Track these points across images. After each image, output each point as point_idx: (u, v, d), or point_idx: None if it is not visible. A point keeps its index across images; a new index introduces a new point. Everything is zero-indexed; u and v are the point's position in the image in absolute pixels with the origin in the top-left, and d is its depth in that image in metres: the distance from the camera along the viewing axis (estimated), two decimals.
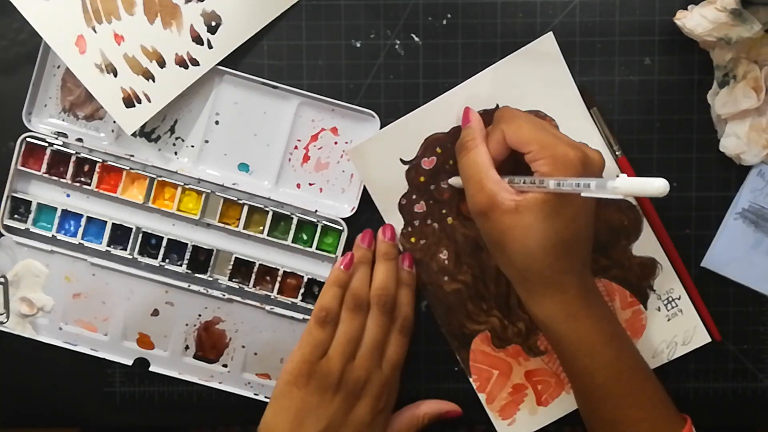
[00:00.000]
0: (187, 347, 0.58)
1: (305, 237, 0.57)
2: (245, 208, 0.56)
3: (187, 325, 0.58)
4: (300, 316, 0.57)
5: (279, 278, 0.56)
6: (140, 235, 0.57)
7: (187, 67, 0.55)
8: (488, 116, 0.54)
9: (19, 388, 0.59)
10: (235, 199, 0.56)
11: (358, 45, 0.56)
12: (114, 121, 0.55)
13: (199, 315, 0.58)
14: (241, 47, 0.55)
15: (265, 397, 0.58)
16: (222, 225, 0.56)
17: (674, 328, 0.57)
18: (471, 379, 0.57)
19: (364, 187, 0.56)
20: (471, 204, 0.49)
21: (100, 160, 0.56)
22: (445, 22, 0.55)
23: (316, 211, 0.56)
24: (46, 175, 0.56)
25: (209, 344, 0.58)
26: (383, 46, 0.56)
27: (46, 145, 0.55)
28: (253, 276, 0.57)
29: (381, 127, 0.55)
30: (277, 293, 0.57)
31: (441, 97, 0.55)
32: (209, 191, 0.56)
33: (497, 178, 0.48)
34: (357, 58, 0.56)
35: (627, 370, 0.50)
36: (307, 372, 0.51)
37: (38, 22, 0.53)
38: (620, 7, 0.55)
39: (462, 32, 0.55)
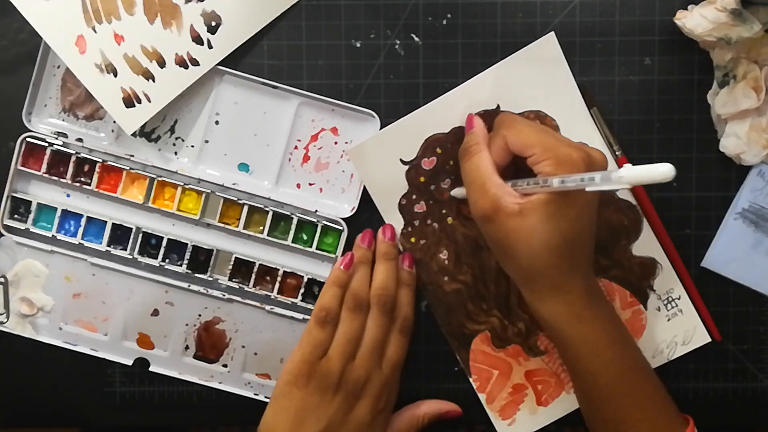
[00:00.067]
0: (187, 347, 0.58)
1: (305, 237, 0.57)
2: (245, 208, 0.56)
3: (187, 325, 0.58)
4: (300, 316, 0.57)
5: (279, 278, 0.56)
6: (140, 235, 0.57)
7: (187, 67, 0.55)
8: (489, 117, 0.54)
9: (19, 388, 0.59)
10: (235, 199, 0.56)
11: (358, 45, 0.56)
12: (114, 121, 0.55)
13: (199, 315, 0.58)
14: (241, 47, 0.55)
15: (265, 397, 0.58)
16: (222, 225, 0.56)
17: (674, 328, 0.57)
18: (471, 379, 0.57)
19: (364, 187, 0.56)
20: (474, 209, 0.49)
21: (100, 160, 0.56)
22: (445, 22, 0.55)
23: (316, 211, 0.56)
24: (46, 175, 0.56)
25: (209, 344, 0.58)
26: (383, 46, 0.56)
27: (46, 145, 0.55)
28: (253, 276, 0.57)
29: (381, 127, 0.55)
30: (277, 293, 0.57)
31: (442, 98, 0.55)
32: (209, 191, 0.56)
33: (500, 182, 0.48)
34: (357, 58, 0.56)
35: (630, 371, 0.50)
36: (307, 372, 0.51)
37: (38, 22, 0.53)
38: (620, 7, 0.55)
39: (462, 32, 0.55)
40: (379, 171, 0.55)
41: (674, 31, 0.54)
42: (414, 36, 0.56)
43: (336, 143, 0.56)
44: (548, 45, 0.54)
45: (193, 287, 0.57)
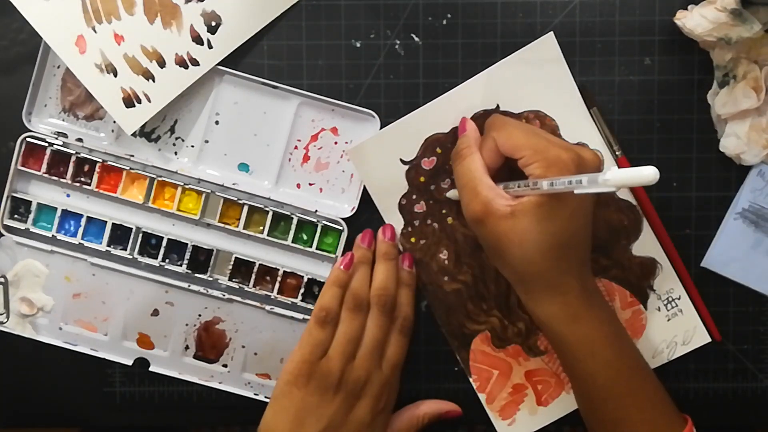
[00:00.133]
0: (187, 347, 0.58)
1: (305, 237, 0.57)
2: (245, 208, 0.56)
3: (187, 325, 0.58)
4: (300, 316, 0.57)
5: (279, 278, 0.56)
6: (140, 235, 0.57)
7: (187, 67, 0.55)
8: (489, 116, 0.54)
9: (19, 388, 0.59)
10: (235, 199, 0.56)
11: (358, 45, 0.56)
12: (114, 121, 0.55)
13: (199, 315, 0.58)
14: (241, 47, 0.55)
15: (265, 397, 0.58)
16: (222, 225, 0.56)
17: (674, 328, 0.57)
18: (471, 379, 0.57)
19: (364, 187, 0.56)
20: (466, 211, 0.49)
21: (100, 160, 0.56)
22: (445, 22, 0.55)
23: (316, 211, 0.56)
24: (46, 175, 0.56)
25: (209, 344, 0.58)
26: (383, 46, 0.56)
27: (46, 145, 0.55)
28: (253, 276, 0.57)
29: (381, 127, 0.55)
30: (277, 293, 0.57)
31: (441, 98, 0.55)
32: (209, 191, 0.56)
33: (491, 185, 0.48)
34: (357, 58, 0.56)
35: (627, 371, 0.50)
36: (307, 372, 0.51)
37: (38, 22, 0.53)
38: (620, 7, 0.55)
39: (462, 32, 0.55)
40: (379, 171, 0.55)
41: (674, 31, 0.54)
42: (414, 36, 0.56)
43: (336, 143, 0.56)
44: (547, 45, 0.54)
45: (193, 287, 0.57)
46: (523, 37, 0.55)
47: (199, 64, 0.55)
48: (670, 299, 0.56)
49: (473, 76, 0.55)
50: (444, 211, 0.56)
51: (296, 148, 0.56)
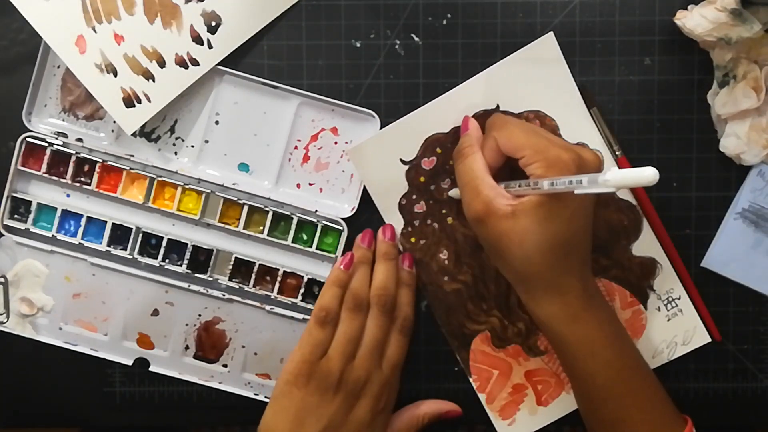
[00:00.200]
0: (187, 347, 0.58)
1: (305, 237, 0.57)
2: (245, 208, 0.56)
3: (187, 325, 0.58)
4: (300, 316, 0.57)
5: (279, 278, 0.56)
6: (140, 235, 0.57)
7: (187, 67, 0.55)
8: (488, 117, 0.54)
9: (19, 388, 0.59)
10: (235, 199, 0.56)
11: (358, 45, 0.56)
12: (114, 121, 0.55)
13: (199, 315, 0.58)
14: (241, 47, 0.55)
15: (265, 397, 0.58)
16: (222, 225, 0.56)
17: (674, 328, 0.57)
18: (471, 379, 0.57)
19: (364, 186, 0.56)
20: (468, 210, 0.49)
21: (100, 160, 0.56)
22: (445, 22, 0.55)
23: (316, 211, 0.56)
24: (46, 175, 0.56)
25: (209, 344, 0.58)
26: (383, 46, 0.56)
27: (46, 145, 0.55)
28: (253, 276, 0.57)
29: (381, 127, 0.55)
30: (277, 293, 0.57)
31: (441, 98, 0.55)
32: (209, 191, 0.56)
33: (493, 184, 0.48)
34: (357, 58, 0.56)
35: (627, 371, 0.50)
36: (307, 372, 0.51)
37: (38, 22, 0.53)
38: (620, 7, 0.55)
39: (462, 32, 0.55)
40: (379, 171, 0.55)
41: (674, 31, 0.54)
42: (414, 36, 0.56)
43: (336, 143, 0.56)
44: (547, 45, 0.54)
45: (193, 287, 0.57)
46: (523, 37, 0.55)
47: (199, 64, 0.55)
48: (670, 299, 0.56)
49: (473, 76, 0.55)
50: (444, 211, 0.56)
51: (296, 148, 0.56)
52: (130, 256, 0.57)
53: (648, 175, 0.38)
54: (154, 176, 0.56)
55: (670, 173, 0.56)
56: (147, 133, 0.56)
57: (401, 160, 0.56)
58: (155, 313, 0.58)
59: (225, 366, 0.58)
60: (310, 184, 0.57)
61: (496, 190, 0.48)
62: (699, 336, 0.57)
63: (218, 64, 0.55)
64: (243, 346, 0.58)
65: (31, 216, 0.56)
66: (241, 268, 0.57)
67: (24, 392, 0.59)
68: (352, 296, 0.54)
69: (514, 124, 0.49)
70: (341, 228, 0.56)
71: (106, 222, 0.56)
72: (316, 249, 0.56)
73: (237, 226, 0.56)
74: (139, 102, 0.54)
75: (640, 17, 0.55)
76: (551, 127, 0.55)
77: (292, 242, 0.56)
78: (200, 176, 0.56)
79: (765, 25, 0.51)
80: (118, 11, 0.54)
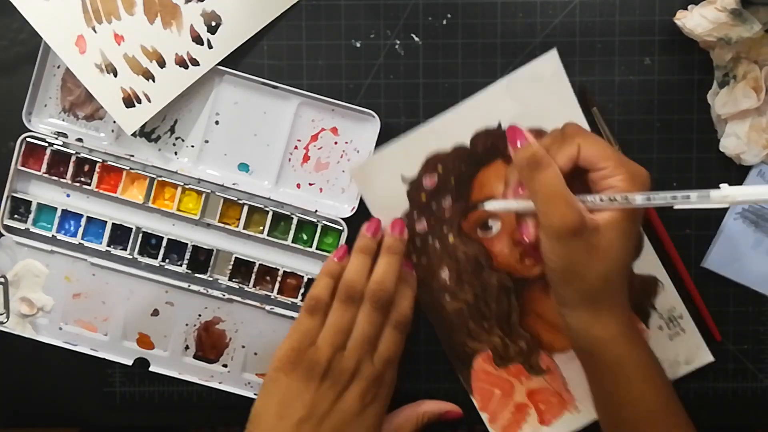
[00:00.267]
0: (187, 347, 0.58)
1: (305, 237, 0.57)
2: (245, 208, 0.56)
3: (187, 325, 0.58)
4: None
5: (279, 278, 0.56)
6: (140, 235, 0.57)
7: (187, 67, 0.55)
8: (490, 135, 0.54)
9: (19, 388, 0.59)
10: (235, 199, 0.56)
11: (358, 45, 0.56)
12: (114, 121, 0.55)
13: (199, 315, 0.58)
14: (241, 47, 0.55)
15: None
16: (222, 225, 0.56)
17: (676, 347, 0.56)
18: (473, 399, 0.57)
19: None
20: (554, 222, 0.45)
21: (100, 160, 0.56)
22: (445, 22, 0.55)
23: (316, 211, 0.56)
24: (46, 175, 0.56)
25: (209, 344, 0.58)
26: (383, 46, 0.56)
27: (46, 145, 0.55)
28: (253, 276, 0.57)
29: (381, 127, 0.55)
30: (277, 293, 0.57)
31: (442, 116, 0.54)
32: (209, 191, 0.56)
33: (575, 197, 0.46)
34: (357, 58, 0.56)
35: (673, 401, 0.49)
36: (295, 359, 0.51)
37: (38, 22, 0.53)
38: (620, 7, 0.55)
39: (462, 32, 0.55)
40: (380, 189, 0.55)
41: (674, 31, 0.54)
42: (414, 36, 0.56)
43: (336, 143, 0.56)
44: (550, 62, 0.54)
45: (193, 287, 0.57)
46: (523, 37, 0.55)
47: (199, 64, 0.55)
48: (672, 318, 0.56)
49: (473, 76, 0.55)
50: (445, 230, 0.56)
51: (296, 148, 0.56)
52: (130, 256, 0.57)
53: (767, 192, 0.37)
54: (154, 176, 0.56)
55: (670, 173, 0.56)
56: (147, 133, 0.56)
57: (402, 178, 0.55)
58: (155, 313, 0.58)
59: (225, 366, 0.58)
60: (310, 184, 0.57)
61: (580, 204, 0.46)
62: (701, 355, 0.56)
63: (218, 64, 0.55)
64: (243, 346, 0.58)
65: (31, 216, 0.56)
66: (241, 268, 0.57)
67: (24, 392, 0.59)
68: (345, 287, 0.52)
69: (594, 136, 0.48)
70: (341, 228, 0.56)
71: (106, 222, 0.56)
72: (316, 249, 0.56)
73: (237, 226, 0.56)
74: (139, 102, 0.54)
75: (640, 17, 0.55)
76: None
77: (292, 242, 0.56)
78: (200, 176, 0.56)
79: (765, 25, 0.51)
80: (118, 11, 0.54)
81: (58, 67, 0.55)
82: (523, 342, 0.56)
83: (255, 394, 0.58)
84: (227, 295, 0.57)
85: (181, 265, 0.57)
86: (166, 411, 0.59)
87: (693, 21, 0.52)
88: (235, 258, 0.57)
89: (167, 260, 0.57)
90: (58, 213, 0.56)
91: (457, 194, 0.55)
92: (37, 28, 0.53)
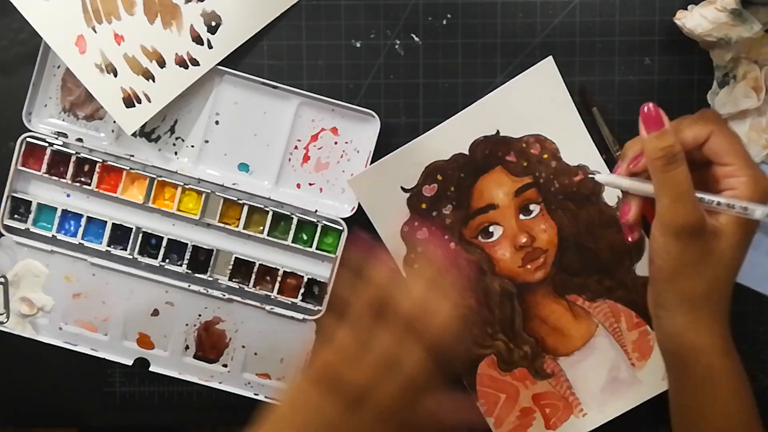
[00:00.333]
0: (187, 347, 0.58)
1: (305, 237, 0.57)
2: (245, 208, 0.56)
3: (187, 325, 0.58)
4: (300, 316, 0.57)
5: (279, 278, 0.56)
6: (140, 235, 0.57)
7: (187, 67, 0.55)
8: (489, 142, 0.54)
9: (19, 388, 0.59)
10: (235, 199, 0.56)
11: (358, 45, 0.56)
12: (114, 121, 0.55)
13: (199, 315, 0.58)
14: (241, 47, 0.55)
15: (265, 397, 0.58)
16: (222, 225, 0.56)
17: None
18: (478, 404, 0.57)
19: None
20: (680, 221, 0.44)
21: (100, 160, 0.56)
22: (445, 22, 0.55)
23: (316, 211, 0.56)
24: (46, 175, 0.56)
25: (209, 344, 0.58)
26: (383, 46, 0.56)
27: (46, 145, 0.55)
28: (253, 276, 0.57)
29: (381, 127, 0.55)
30: (277, 293, 0.57)
31: (441, 126, 0.54)
32: (209, 191, 0.56)
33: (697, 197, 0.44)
34: (357, 58, 0.56)
35: (756, 421, 0.48)
36: (334, 376, 0.46)
37: (38, 22, 0.53)
38: (620, 7, 0.55)
39: (462, 32, 0.55)
40: (380, 199, 0.55)
41: (674, 31, 0.54)
42: (414, 36, 0.56)
43: (336, 143, 0.56)
44: (546, 69, 0.54)
45: (193, 287, 0.57)
46: (523, 37, 0.55)
47: (199, 64, 0.55)
48: None
49: (473, 76, 0.55)
50: (446, 237, 0.56)
51: (296, 148, 0.56)
52: (130, 256, 0.57)
53: None
54: (154, 176, 0.56)
55: None
56: (147, 133, 0.56)
57: (402, 188, 0.55)
58: (155, 313, 0.58)
59: (225, 366, 0.58)
60: (310, 184, 0.57)
61: (702, 206, 0.44)
62: None
63: (218, 64, 0.55)
64: (243, 346, 0.58)
65: (31, 216, 0.56)
66: (241, 268, 0.57)
67: (24, 392, 0.59)
68: (378, 304, 0.47)
69: (730, 128, 0.46)
70: (341, 228, 0.56)
71: (106, 222, 0.56)
72: (316, 249, 0.56)
73: (237, 226, 0.56)
74: (139, 102, 0.54)
75: (640, 17, 0.55)
76: (552, 150, 0.55)
77: (292, 242, 0.56)
78: (200, 176, 0.56)
79: (765, 25, 0.51)
80: (118, 11, 0.54)
81: (58, 67, 0.55)
82: (528, 347, 0.56)
83: (255, 394, 0.58)
84: (227, 295, 0.57)
85: (181, 265, 0.57)
86: (166, 411, 0.59)
87: (693, 21, 0.52)
88: (235, 258, 0.57)
89: (167, 260, 0.57)
90: (58, 213, 0.56)
91: (457, 202, 0.55)
92: (37, 28, 0.53)
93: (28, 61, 0.55)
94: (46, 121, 0.56)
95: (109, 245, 0.57)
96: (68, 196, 0.57)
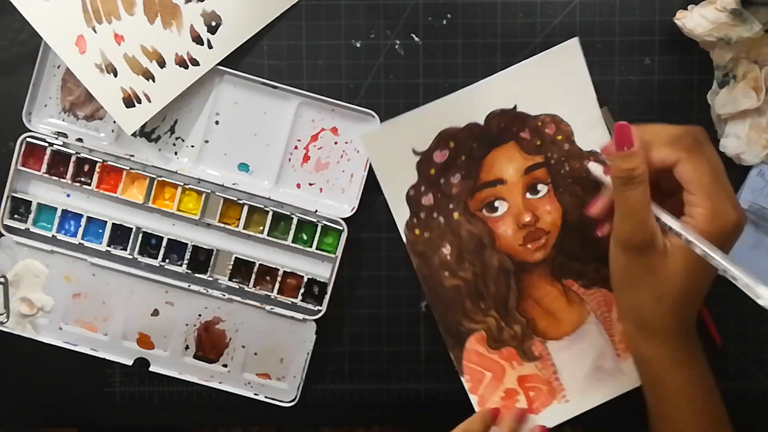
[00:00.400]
0: (187, 347, 0.58)
1: (305, 237, 0.57)
2: (245, 208, 0.56)
3: (187, 325, 0.58)
4: (300, 316, 0.57)
5: (279, 278, 0.56)
6: (140, 235, 0.57)
7: (187, 67, 0.55)
8: (506, 116, 0.54)
9: (19, 388, 0.59)
10: (235, 199, 0.56)
11: (358, 45, 0.56)
12: (114, 121, 0.55)
13: (199, 315, 0.58)
14: (241, 47, 0.55)
15: (265, 396, 0.58)
16: (222, 225, 0.56)
17: None
18: (463, 380, 0.57)
19: (365, 186, 0.56)
20: (623, 236, 0.47)
21: (100, 160, 0.56)
22: (445, 22, 0.55)
23: (316, 211, 0.56)
24: (46, 175, 0.56)
25: (209, 344, 0.58)
26: (383, 46, 0.56)
27: (46, 145, 0.55)
28: (253, 276, 0.57)
29: None
30: (277, 293, 0.57)
31: (460, 92, 0.54)
32: (209, 191, 0.56)
33: (654, 217, 0.46)
34: (357, 58, 0.56)
35: (717, 425, 0.50)
36: None
37: (38, 22, 0.53)
38: (620, 7, 0.55)
39: (462, 32, 0.56)
40: (390, 158, 0.55)
41: (674, 31, 0.54)
42: (414, 36, 0.56)
43: (336, 143, 0.56)
44: (570, 50, 0.53)
45: (193, 287, 0.57)
46: (523, 37, 0.55)
47: (199, 64, 0.55)
48: None
49: (473, 76, 0.55)
50: (451, 206, 0.56)
51: (296, 148, 0.56)
52: (130, 256, 0.57)
53: None
54: (154, 176, 0.56)
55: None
56: (147, 133, 0.56)
57: (413, 150, 0.55)
58: (155, 313, 0.58)
59: (225, 366, 0.58)
60: (310, 184, 0.57)
61: (657, 225, 0.46)
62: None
63: (218, 64, 0.55)
64: (243, 346, 0.58)
65: (31, 216, 0.56)
66: (241, 268, 0.57)
67: (24, 392, 0.59)
68: None
69: (710, 157, 0.47)
70: (341, 228, 0.56)
71: (106, 222, 0.56)
72: (316, 249, 0.56)
73: (237, 226, 0.56)
74: (139, 102, 0.55)
75: (640, 17, 0.55)
76: (566, 132, 0.54)
77: (292, 242, 0.56)
78: (200, 176, 0.56)
79: (765, 25, 0.51)
80: (118, 11, 0.54)
81: (58, 67, 0.55)
82: (518, 326, 0.56)
83: (255, 394, 0.58)
84: (227, 295, 0.57)
85: (181, 265, 0.57)
86: (166, 411, 0.59)
87: (693, 21, 0.52)
88: (235, 258, 0.57)
89: (167, 260, 0.57)
90: (58, 213, 0.56)
91: (466, 172, 0.55)
92: (37, 28, 0.53)
93: (28, 61, 0.55)
94: (46, 121, 0.56)
95: (109, 245, 0.57)
96: (68, 196, 0.57)
